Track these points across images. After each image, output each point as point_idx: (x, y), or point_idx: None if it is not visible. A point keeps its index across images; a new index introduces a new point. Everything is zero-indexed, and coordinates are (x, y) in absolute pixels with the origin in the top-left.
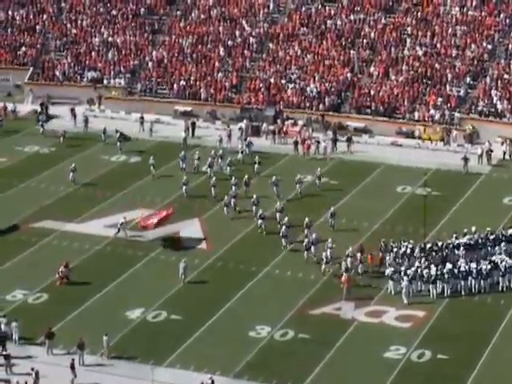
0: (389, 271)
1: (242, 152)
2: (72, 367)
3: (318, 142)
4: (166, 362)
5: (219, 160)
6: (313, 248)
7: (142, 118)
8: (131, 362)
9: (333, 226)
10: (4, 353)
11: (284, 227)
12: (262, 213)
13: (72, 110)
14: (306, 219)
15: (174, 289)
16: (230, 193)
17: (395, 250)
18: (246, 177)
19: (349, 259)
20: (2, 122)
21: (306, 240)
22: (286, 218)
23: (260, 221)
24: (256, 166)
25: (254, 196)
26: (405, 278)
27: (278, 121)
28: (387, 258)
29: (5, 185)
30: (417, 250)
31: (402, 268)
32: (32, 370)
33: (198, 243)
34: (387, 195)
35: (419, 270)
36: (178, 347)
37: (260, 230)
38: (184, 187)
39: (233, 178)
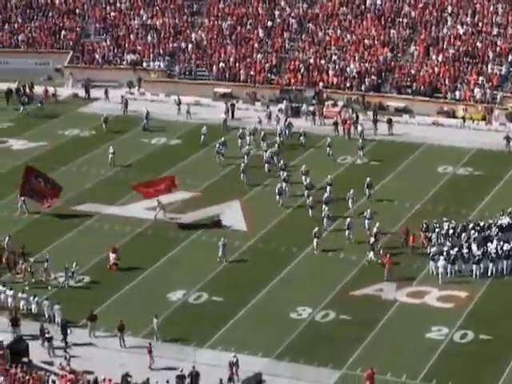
0: (430, 251)
1: (281, 134)
2: (150, 352)
3: (356, 123)
4: (208, 343)
5: (262, 142)
6: (347, 232)
7: (178, 100)
8: (173, 344)
9: (369, 197)
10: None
11: (327, 209)
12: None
13: (106, 92)
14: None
15: (215, 270)
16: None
17: (437, 230)
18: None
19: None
20: (42, 106)
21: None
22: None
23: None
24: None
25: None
26: (441, 257)
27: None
28: (429, 238)
29: (46, 168)
30: (458, 230)
31: (444, 248)
32: (65, 352)
33: (238, 225)
34: (428, 175)
35: (461, 251)
36: (219, 329)
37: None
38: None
39: (281, 162)
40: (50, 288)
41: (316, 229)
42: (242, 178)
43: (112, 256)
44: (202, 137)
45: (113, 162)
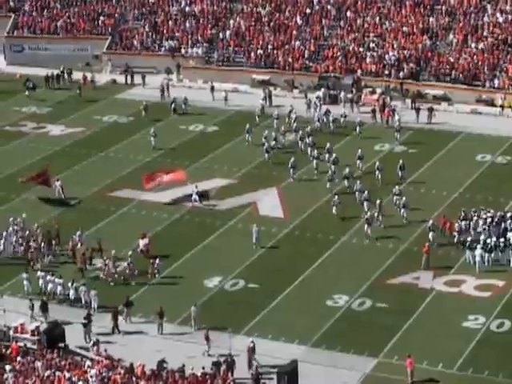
0: (468, 240)
1: (319, 121)
2: (207, 339)
3: (394, 111)
4: (244, 330)
5: (299, 131)
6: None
7: (212, 87)
8: (210, 331)
9: (379, 181)
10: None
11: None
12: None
13: (143, 78)
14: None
15: (252, 258)
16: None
17: (475, 218)
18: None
19: (430, 231)
20: (80, 91)
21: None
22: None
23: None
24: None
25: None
26: (478, 246)
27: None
28: (466, 226)
29: (84, 154)
30: (496, 219)
31: (482, 237)
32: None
33: (275, 212)
34: (467, 164)
35: (498, 240)
36: (255, 316)
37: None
38: (266, 155)
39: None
40: (133, 283)
41: (368, 214)
42: (267, 158)
43: (141, 242)
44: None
45: (155, 145)
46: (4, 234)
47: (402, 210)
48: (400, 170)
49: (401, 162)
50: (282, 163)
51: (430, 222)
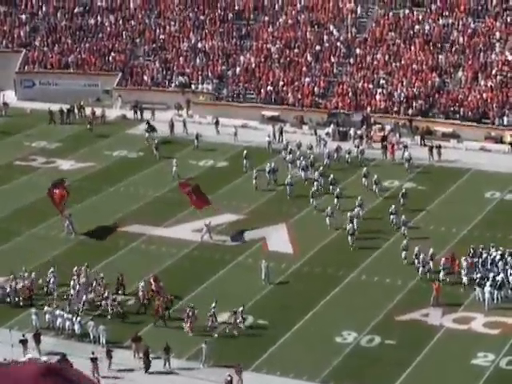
0: (477, 277)
1: (329, 157)
2: (239, 372)
3: (406, 147)
4: (253, 366)
5: (309, 167)
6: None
7: (217, 121)
8: (218, 368)
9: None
10: (91, 356)
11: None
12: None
13: (152, 113)
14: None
15: (261, 293)
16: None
17: (484, 255)
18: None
19: (441, 269)
20: (91, 127)
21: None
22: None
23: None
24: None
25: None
26: (487, 283)
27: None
28: (476, 264)
29: (94, 189)
30: (506, 256)
31: (491, 274)
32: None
33: (284, 248)
34: (476, 201)
35: (507, 277)
36: (264, 352)
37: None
38: (288, 188)
39: (337, 189)
40: (216, 336)
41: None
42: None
43: (153, 284)
44: (244, 161)
45: (176, 175)
46: (77, 286)
47: (404, 253)
48: (402, 197)
49: (404, 189)
50: (290, 199)
51: (443, 260)
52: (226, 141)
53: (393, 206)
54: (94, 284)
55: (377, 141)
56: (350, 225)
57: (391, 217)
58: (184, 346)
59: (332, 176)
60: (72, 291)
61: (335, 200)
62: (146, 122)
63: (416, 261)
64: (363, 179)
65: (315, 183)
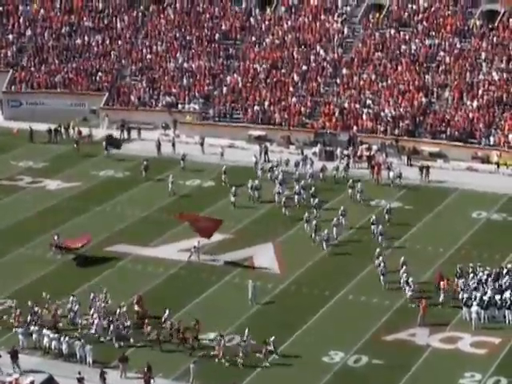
0: (463, 297)
1: (312, 176)
2: None
3: (390, 167)
4: None
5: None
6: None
7: (201, 140)
8: None
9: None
10: (78, 376)
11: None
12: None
13: (139, 133)
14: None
15: (248, 313)
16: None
17: (470, 275)
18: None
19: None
20: (77, 146)
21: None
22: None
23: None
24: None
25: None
26: (474, 303)
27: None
28: (462, 283)
29: (80, 209)
30: (492, 276)
31: (478, 294)
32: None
33: (271, 267)
34: (462, 220)
35: (494, 296)
36: (251, 371)
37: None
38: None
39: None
40: (267, 364)
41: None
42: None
43: (136, 306)
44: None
45: (172, 191)
46: (95, 315)
47: (382, 278)
48: (387, 213)
49: (388, 206)
50: (277, 218)
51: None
52: (213, 161)
53: (374, 217)
54: (118, 311)
55: (363, 160)
56: (326, 231)
57: (372, 227)
58: (171, 366)
59: (313, 189)
60: (96, 320)
61: (314, 211)
62: (106, 138)
63: (403, 282)
64: (349, 190)
65: (296, 197)
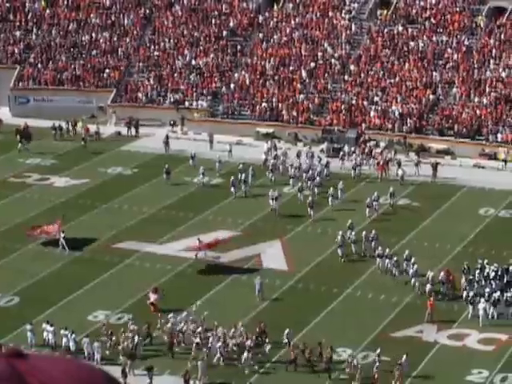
0: (470, 294)
1: (320, 173)
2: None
3: (399, 165)
4: (247, 383)
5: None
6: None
7: (210, 137)
8: None
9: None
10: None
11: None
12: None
13: (136, 128)
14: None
15: (255, 311)
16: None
17: (478, 272)
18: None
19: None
20: (85, 144)
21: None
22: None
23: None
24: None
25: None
26: (482, 300)
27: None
28: (470, 280)
29: (88, 206)
30: (499, 273)
31: (486, 290)
32: None
33: (279, 264)
34: (470, 217)
35: (502, 293)
36: (258, 369)
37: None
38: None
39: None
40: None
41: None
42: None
43: (153, 296)
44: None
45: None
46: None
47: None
48: (390, 197)
49: (391, 189)
50: (286, 215)
51: (442, 274)
52: (221, 158)
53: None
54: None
55: (371, 157)
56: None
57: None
58: (179, 364)
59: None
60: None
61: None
62: (16, 131)
63: (412, 277)
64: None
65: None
